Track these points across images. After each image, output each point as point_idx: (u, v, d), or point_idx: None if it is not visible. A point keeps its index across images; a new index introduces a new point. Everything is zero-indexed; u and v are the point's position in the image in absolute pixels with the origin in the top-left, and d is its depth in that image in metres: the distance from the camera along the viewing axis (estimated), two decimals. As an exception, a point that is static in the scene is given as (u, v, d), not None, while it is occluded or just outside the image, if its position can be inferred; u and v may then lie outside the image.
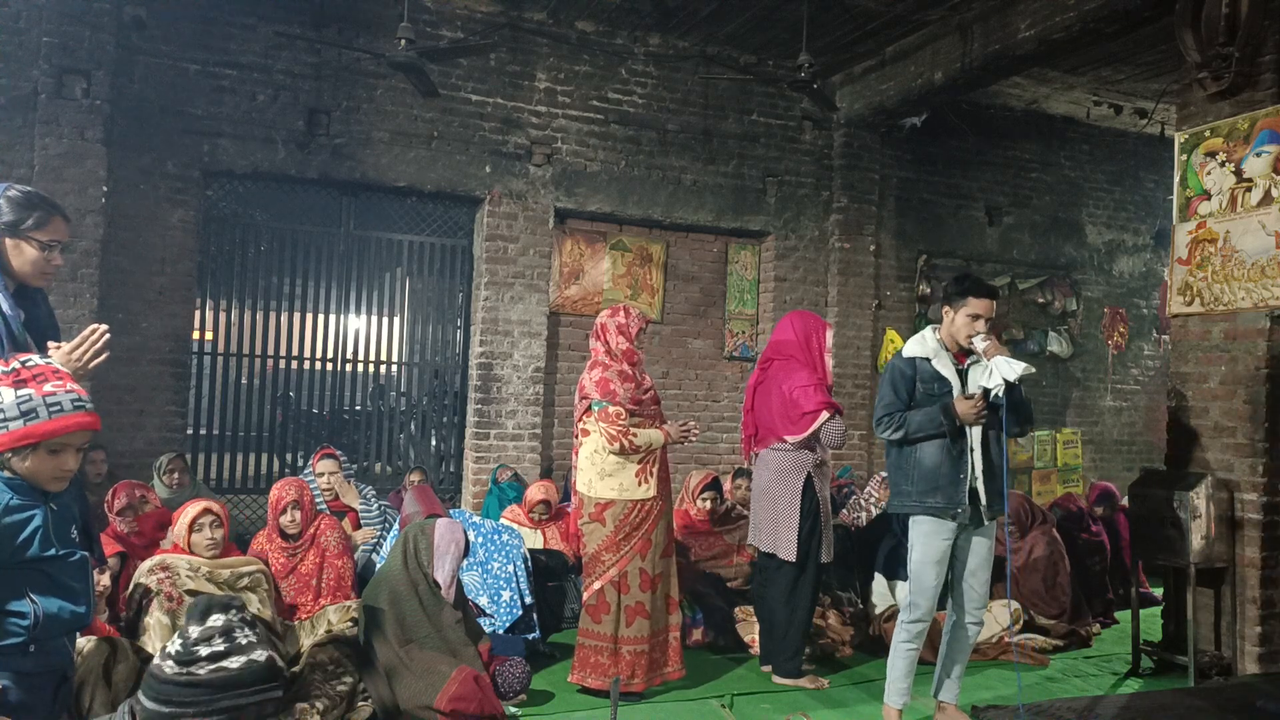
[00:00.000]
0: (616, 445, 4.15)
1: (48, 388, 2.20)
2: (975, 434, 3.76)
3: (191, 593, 3.79)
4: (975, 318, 3.75)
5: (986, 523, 3.85)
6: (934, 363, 3.83)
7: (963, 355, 3.86)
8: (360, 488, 5.53)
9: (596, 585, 4.21)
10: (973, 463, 3.75)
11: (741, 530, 5.56)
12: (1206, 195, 4.96)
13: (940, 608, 3.97)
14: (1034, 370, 3.74)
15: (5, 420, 2.14)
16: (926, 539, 3.81)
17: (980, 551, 3.87)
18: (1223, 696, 4.33)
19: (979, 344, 3.73)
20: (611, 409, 4.18)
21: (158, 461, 5.81)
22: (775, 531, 4.49)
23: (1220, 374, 4.87)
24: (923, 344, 3.90)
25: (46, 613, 2.18)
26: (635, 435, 4.16)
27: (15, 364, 2.22)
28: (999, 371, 3.64)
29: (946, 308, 3.86)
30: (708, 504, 5.77)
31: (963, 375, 3.83)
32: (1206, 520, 4.68)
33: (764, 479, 4.59)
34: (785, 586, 4.49)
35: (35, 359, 2.28)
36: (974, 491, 3.77)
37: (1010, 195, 9.10)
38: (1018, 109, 8.87)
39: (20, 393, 2.16)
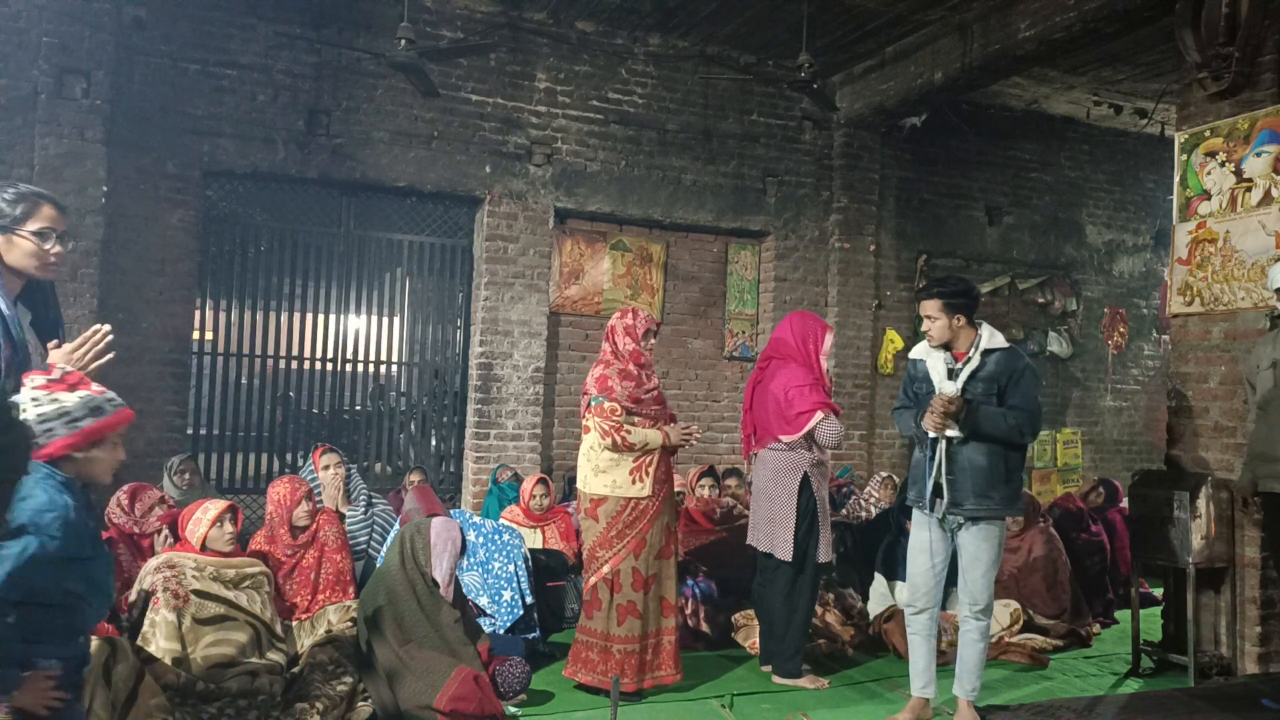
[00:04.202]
0: (609, 440, 4.18)
1: (95, 388, 2.41)
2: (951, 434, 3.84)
3: (197, 592, 3.79)
4: (924, 320, 3.95)
5: (955, 519, 3.86)
6: (927, 363, 3.98)
7: (960, 353, 3.91)
8: (358, 488, 5.48)
9: (592, 581, 4.24)
10: (939, 461, 3.85)
11: (741, 530, 5.56)
12: (1206, 195, 4.96)
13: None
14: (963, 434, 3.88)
15: (76, 420, 2.32)
16: (913, 529, 4.05)
17: (969, 549, 3.87)
18: (1223, 696, 4.34)
19: (926, 425, 3.85)
20: (606, 404, 4.20)
21: (169, 462, 5.83)
22: (772, 531, 4.49)
23: (1220, 374, 4.87)
24: (923, 344, 4.05)
25: (94, 606, 2.37)
26: (629, 432, 4.17)
27: (57, 372, 2.39)
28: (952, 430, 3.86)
29: None
30: (705, 490, 5.78)
31: (956, 374, 3.88)
32: (1206, 520, 4.67)
33: (762, 479, 4.59)
34: (784, 586, 4.49)
35: (65, 366, 2.46)
36: (939, 489, 3.87)
37: (1010, 195, 9.10)
38: (1018, 109, 8.87)
39: (81, 393, 2.36)
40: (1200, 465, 4.90)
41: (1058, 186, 9.31)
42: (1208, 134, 4.95)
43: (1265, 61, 4.72)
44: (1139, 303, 9.72)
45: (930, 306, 3.89)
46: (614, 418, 4.18)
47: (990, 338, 3.90)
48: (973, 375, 3.84)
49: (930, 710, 4.05)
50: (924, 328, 3.96)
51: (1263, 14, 4.68)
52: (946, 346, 3.93)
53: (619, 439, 4.16)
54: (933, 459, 3.86)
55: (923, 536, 3.95)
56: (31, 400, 2.30)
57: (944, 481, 3.84)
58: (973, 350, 3.88)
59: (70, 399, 2.34)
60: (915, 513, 4.02)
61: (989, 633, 3.97)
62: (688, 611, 5.11)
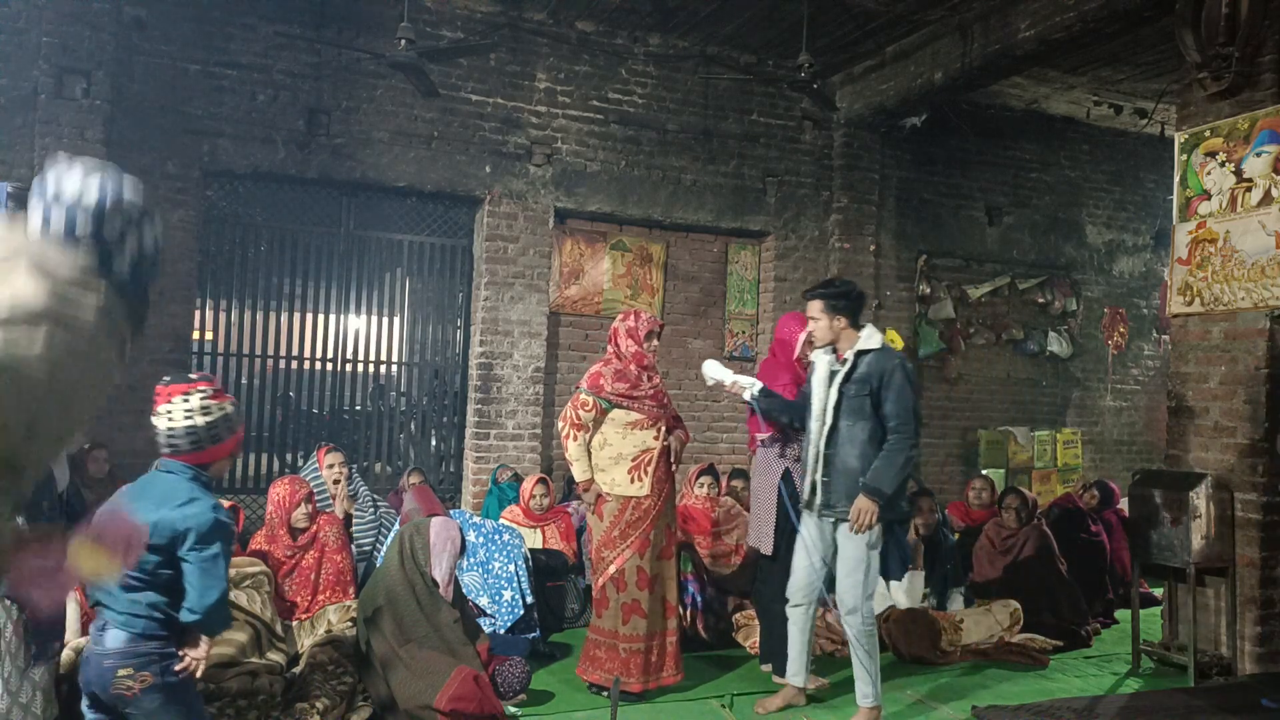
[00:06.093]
0: (562, 425, 4.32)
1: (228, 396, 2.66)
2: (824, 430, 3.90)
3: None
4: (809, 320, 4.03)
5: (829, 518, 3.93)
6: (816, 362, 4.09)
7: (843, 354, 3.97)
8: (360, 489, 5.48)
9: (600, 581, 4.27)
10: (813, 456, 3.95)
11: (741, 530, 5.57)
12: (1206, 195, 4.96)
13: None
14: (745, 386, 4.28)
15: (233, 427, 2.60)
16: (801, 525, 4.12)
17: (840, 549, 3.93)
18: (1223, 696, 4.34)
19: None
20: (583, 395, 4.28)
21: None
22: (758, 527, 4.58)
23: (1220, 374, 4.87)
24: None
25: None
26: (575, 440, 4.26)
27: (203, 382, 2.59)
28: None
29: None
30: (704, 489, 5.79)
31: (835, 375, 3.95)
32: (1206, 520, 4.68)
33: (753, 476, 4.68)
34: (778, 584, 4.51)
35: (206, 374, 2.72)
36: (815, 485, 3.95)
37: (1010, 195, 9.10)
38: (1018, 109, 8.87)
39: (230, 402, 2.61)
40: (1200, 465, 4.90)
41: (1058, 186, 9.30)
42: (1208, 134, 4.95)
43: (1265, 61, 4.72)
44: (1139, 303, 9.72)
45: (813, 307, 3.97)
46: (581, 410, 4.27)
47: (867, 339, 3.93)
48: (846, 377, 3.89)
49: (803, 697, 4.15)
50: (808, 329, 4.04)
51: (1263, 14, 4.68)
52: (834, 348, 4.01)
53: (569, 429, 4.29)
54: (807, 455, 3.99)
55: (805, 534, 4.05)
56: (201, 409, 2.51)
57: (819, 481, 3.93)
58: (849, 352, 3.92)
59: (229, 406, 2.59)
60: (804, 510, 4.08)
61: (870, 635, 3.88)
62: (686, 621, 5.11)
